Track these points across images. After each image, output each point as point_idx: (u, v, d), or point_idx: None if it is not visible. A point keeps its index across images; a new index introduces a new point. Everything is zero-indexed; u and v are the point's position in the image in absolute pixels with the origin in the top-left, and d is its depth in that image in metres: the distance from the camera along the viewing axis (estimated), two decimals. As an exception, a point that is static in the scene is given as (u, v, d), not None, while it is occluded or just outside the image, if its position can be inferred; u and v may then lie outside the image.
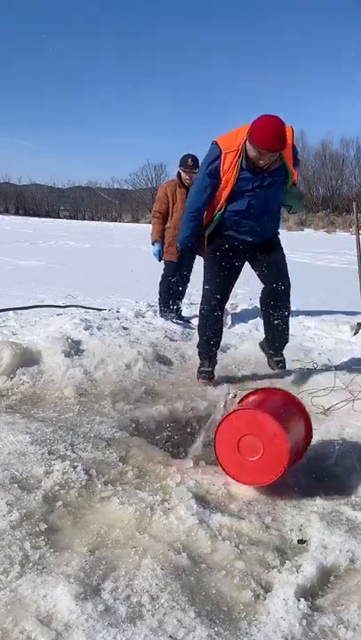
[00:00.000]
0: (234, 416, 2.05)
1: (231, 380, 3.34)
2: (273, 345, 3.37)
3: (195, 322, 4.74)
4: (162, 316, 5.02)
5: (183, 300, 5.47)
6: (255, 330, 4.94)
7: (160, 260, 5.25)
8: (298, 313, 5.54)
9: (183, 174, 4.96)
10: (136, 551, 1.60)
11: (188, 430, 2.80)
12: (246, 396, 2.34)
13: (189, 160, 4.87)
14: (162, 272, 5.32)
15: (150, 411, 2.81)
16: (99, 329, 3.97)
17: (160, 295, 5.33)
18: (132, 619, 1.33)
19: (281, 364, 3.34)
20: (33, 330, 4.00)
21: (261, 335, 3.75)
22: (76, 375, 3.19)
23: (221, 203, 3.07)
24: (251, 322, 5.30)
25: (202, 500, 1.90)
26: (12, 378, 3.12)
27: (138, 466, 2.18)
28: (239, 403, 2.30)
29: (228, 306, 5.25)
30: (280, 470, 1.93)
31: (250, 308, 5.90)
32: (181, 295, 5.37)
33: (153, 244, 5.18)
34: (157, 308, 5.36)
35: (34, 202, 63.17)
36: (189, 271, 5.21)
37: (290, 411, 2.18)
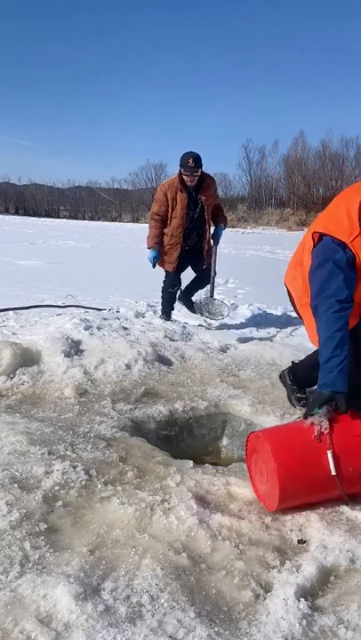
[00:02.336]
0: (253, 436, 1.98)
1: (231, 379, 3.34)
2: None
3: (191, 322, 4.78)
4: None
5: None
6: (255, 330, 4.95)
7: (154, 268, 4.83)
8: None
9: (185, 177, 4.44)
10: (136, 551, 1.60)
11: (188, 430, 2.80)
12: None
13: (190, 160, 4.32)
14: (162, 279, 4.96)
15: (150, 411, 2.81)
16: (99, 329, 3.97)
17: (162, 306, 5.04)
18: (132, 619, 1.33)
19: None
20: (33, 330, 3.99)
21: (261, 335, 3.77)
22: (76, 375, 3.19)
23: None
24: (251, 322, 5.30)
25: (202, 500, 1.90)
26: (11, 378, 3.12)
27: (138, 466, 2.18)
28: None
29: (228, 303, 5.26)
30: (271, 507, 1.85)
31: (250, 307, 5.90)
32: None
33: (149, 249, 4.68)
34: (157, 308, 5.33)
35: (34, 202, 63.25)
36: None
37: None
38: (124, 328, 4.16)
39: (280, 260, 13.98)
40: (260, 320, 5.40)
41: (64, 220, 46.53)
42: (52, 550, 1.59)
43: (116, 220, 53.15)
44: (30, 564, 1.51)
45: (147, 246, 4.67)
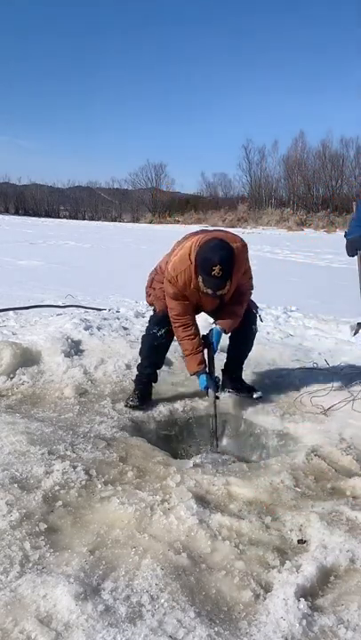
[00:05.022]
0: None
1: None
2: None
3: None
4: None
5: None
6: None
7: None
8: (298, 313, 5.55)
9: (202, 284, 2.60)
10: (136, 551, 1.60)
11: (188, 430, 2.80)
12: None
13: (216, 269, 2.46)
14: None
15: (150, 411, 2.81)
16: (99, 329, 3.97)
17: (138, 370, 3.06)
18: (132, 619, 1.33)
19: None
20: (33, 330, 4.00)
21: (261, 335, 3.76)
22: (76, 375, 3.20)
23: None
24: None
25: (202, 500, 1.90)
26: (11, 378, 3.12)
27: (138, 466, 2.18)
28: None
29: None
30: None
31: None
32: None
33: (196, 374, 2.80)
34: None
35: (34, 202, 63.28)
36: None
37: None
38: (124, 328, 4.17)
39: (280, 260, 13.98)
40: (261, 322, 5.39)
41: (64, 220, 46.60)
42: (52, 550, 1.59)
43: (116, 220, 53.20)
44: (30, 564, 1.51)
45: (190, 373, 2.86)
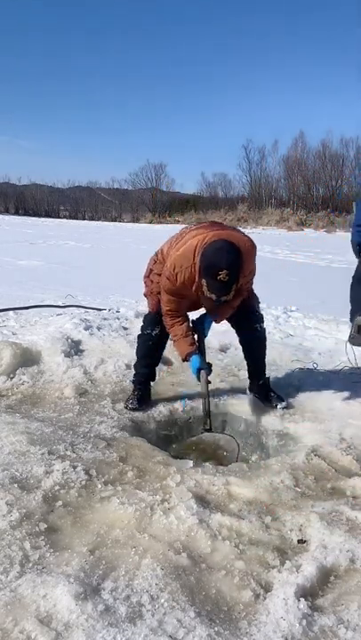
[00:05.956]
0: None
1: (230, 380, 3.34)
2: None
3: None
4: None
5: None
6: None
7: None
8: (298, 313, 5.55)
9: (206, 288, 2.42)
10: (136, 551, 1.60)
11: (188, 430, 2.80)
12: None
13: (223, 274, 2.31)
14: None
15: (150, 411, 2.81)
16: (99, 329, 3.97)
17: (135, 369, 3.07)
18: (132, 619, 1.33)
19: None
20: (33, 330, 4.00)
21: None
22: (76, 375, 3.20)
23: None
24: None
25: (202, 500, 1.90)
26: (11, 378, 3.12)
27: (138, 466, 2.18)
28: None
29: None
30: None
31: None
32: None
33: (186, 359, 2.70)
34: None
35: (34, 202, 63.31)
36: None
37: None
38: (124, 328, 4.17)
39: (280, 260, 13.98)
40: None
41: (64, 220, 46.60)
42: (52, 550, 1.59)
43: (116, 220, 53.19)
44: (30, 564, 1.51)
45: (182, 357, 2.73)
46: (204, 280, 2.40)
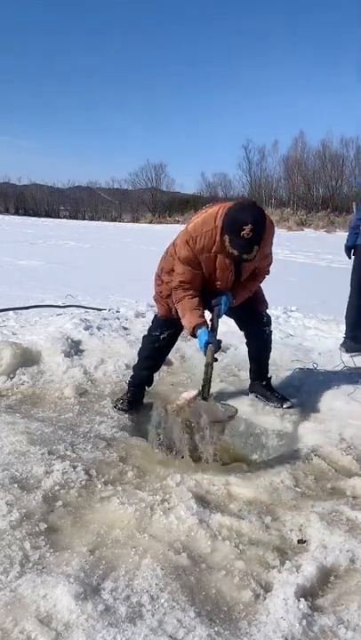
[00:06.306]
0: None
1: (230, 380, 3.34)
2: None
3: None
4: None
5: None
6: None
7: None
8: (298, 313, 5.55)
9: (228, 244, 2.34)
10: (136, 551, 1.60)
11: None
12: None
13: (247, 229, 2.26)
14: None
15: (150, 411, 2.81)
16: (99, 329, 3.97)
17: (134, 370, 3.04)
18: (132, 619, 1.33)
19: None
20: (33, 330, 3.99)
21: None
22: (76, 375, 3.20)
23: None
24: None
25: (202, 500, 1.90)
26: (11, 378, 3.12)
27: (138, 466, 2.18)
28: None
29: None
30: None
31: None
32: None
33: (194, 334, 2.53)
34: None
35: (34, 202, 63.28)
36: None
37: None
38: (124, 328, 4.17)
39: (280, 260, 13.97)
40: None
41: (64, 220, 46.57)
42: (52, 550, 1.59)
43: (116, 220, 53.14)
44: (30, 564, 1.51)
45: (189, 331, 2.58)
46: (226, 236, 2.33)
